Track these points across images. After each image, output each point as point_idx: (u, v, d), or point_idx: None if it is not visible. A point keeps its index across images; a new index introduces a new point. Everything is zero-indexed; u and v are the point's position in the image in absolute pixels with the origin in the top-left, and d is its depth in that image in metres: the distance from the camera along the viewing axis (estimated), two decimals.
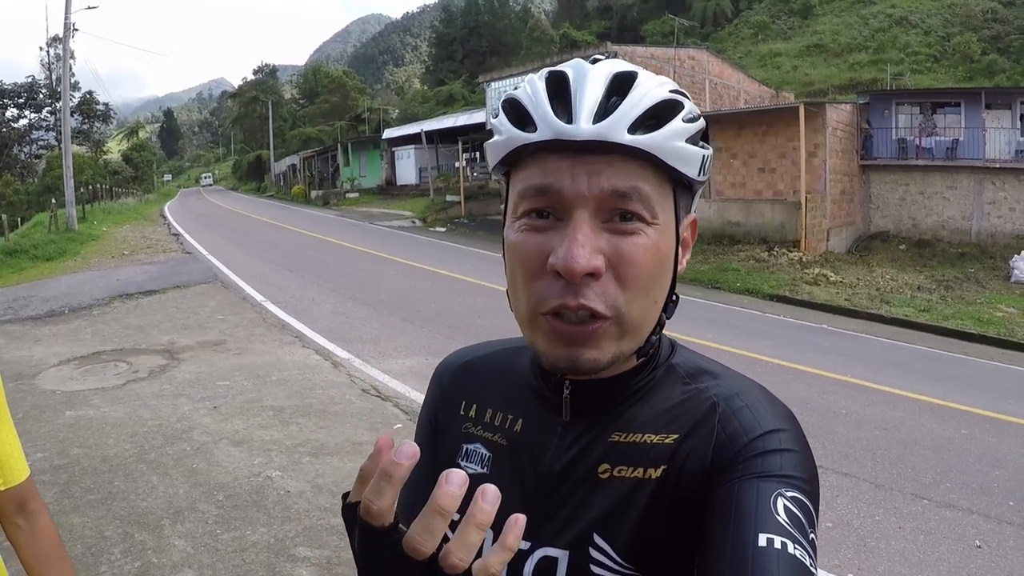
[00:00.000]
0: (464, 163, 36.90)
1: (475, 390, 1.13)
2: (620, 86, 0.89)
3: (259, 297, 14.50)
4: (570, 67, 0.92)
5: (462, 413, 1.12)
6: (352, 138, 60.75)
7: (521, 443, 1.04)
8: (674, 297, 0.98)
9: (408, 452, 0.61)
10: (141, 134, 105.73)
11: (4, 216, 31.50)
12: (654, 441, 0.96)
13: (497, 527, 0.89)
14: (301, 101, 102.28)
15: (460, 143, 37.29)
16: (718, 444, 0.91)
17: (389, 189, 48.57)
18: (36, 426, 7.26)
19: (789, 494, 0.84)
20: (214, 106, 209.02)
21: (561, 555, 0.96)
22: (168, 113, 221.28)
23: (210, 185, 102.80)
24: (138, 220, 40.25)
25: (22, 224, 37.41)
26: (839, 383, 9.51)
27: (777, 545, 0.79)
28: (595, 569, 0.93)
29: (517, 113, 0.92)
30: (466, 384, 1.15)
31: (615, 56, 26.90)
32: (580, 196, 0.87)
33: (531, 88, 0.93)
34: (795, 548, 0.79)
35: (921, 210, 24.07)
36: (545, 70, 0.94)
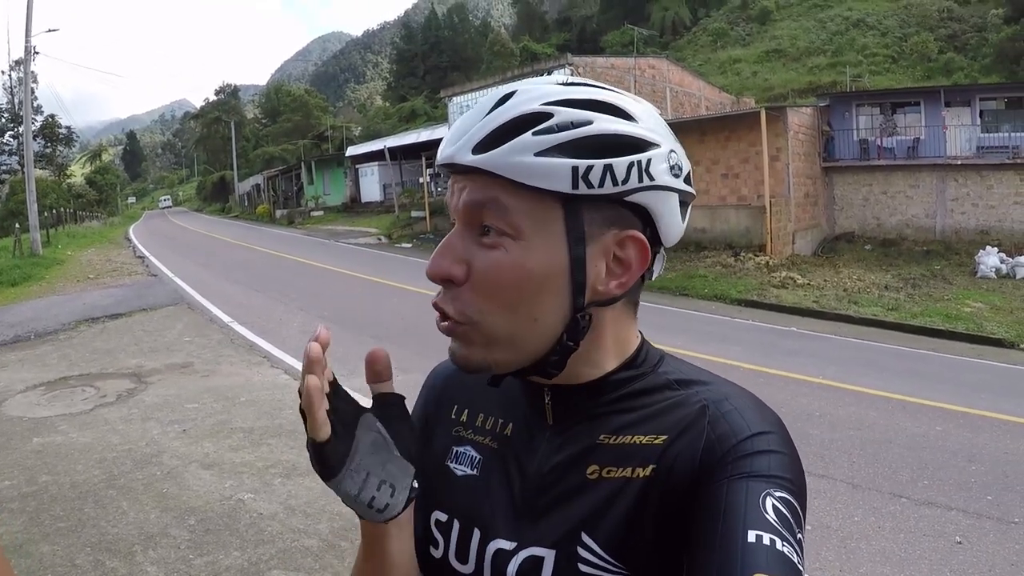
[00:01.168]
0: (428, 178, 36.94)
1: (466, 395, 1.15)
2: (496, 106, 0.93)
3: (226, 318, 14.39)
4: (482, 97, 0.98)
5: (453, 417, 1.14)
6: (316, 156, 60.79)
7: (510, 447, 1.06)
8: (583, 317, 0.95)
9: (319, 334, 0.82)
10: (104, 157, 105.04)
11: None
12: (643, 442, 0.97)
13: (487, 527, 1.02)
14: (264, 120, 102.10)
15: (424, 158, 37.34)
16: (707, 445, 0.92)
17: (354, 206, 48.54)
18: (3, 454, 7.12)
19: (778, 494, 0.86)
20: (177, 127, 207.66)
21: (547, 554, 0.97)
22: (131, 135, 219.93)
23: (169, 207, 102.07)
24: (103, 243, 39.92)
25: None
26: (811, 385, 9.54)
27: (766, 542, 0.80)
28: (583, 568, 0.94)
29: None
30: (457, 390, 1.17)
31: (570, 68, 27.13)
32: (455, 210, 0.95)
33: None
34: (784, 545, 0.81)
35: (885, 210, 24.32)
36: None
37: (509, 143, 0.89)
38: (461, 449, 1.10)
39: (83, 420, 8.31)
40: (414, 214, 36.30)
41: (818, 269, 20.24)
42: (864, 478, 6.52)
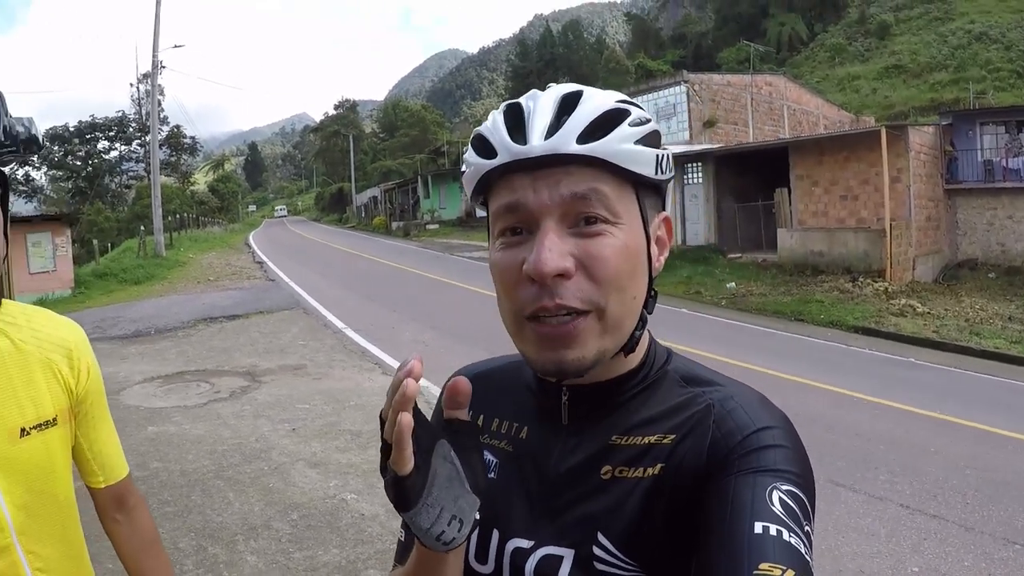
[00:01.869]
0: None
1: (483, 401, 1.15)
2: (568, 105, 0.98)
3: (340, 324, 14.69)
4: (525, 97, 1.01)
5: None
6: (432, 171, 61.46)
7: (526, 449, 1.10)
8: (652, 293, 1.03)
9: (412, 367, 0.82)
10: (227, 166, 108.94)
11: (95, 241, 32.53)
12: (652, 442, 1.00)
13: (504, 528, 1.05)
14: (381, 135, 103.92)
15: None
16: (713, 442, 0.95)
17: (469, 221, 48.86)
18: (119, 439, 7.35)
19: (784, 487, 0.88)
20: (297, 140, 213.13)
21: (566, 553, 0.99)
22: (252, 146, 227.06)
23: (285, 216, 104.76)
24: (223, 248, 41.32)
25: (112, 249, 38.64)
26: (928, 419, 9.04)
27: (773, 532, 0.82)
28: (599, 566, 0.97)
29: (482, 145, 1.01)
30: (474, 396, 1.14)
31: (686, 84, 26.84)
32: (544, 207, 0.95)
33: (492, 121, 1.02)
34: (790, 536, 0.82)
35: (1011, 235, 23.09)
36: (504, 103, 1.03)
37: (612, 133, 0.95)
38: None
39: (196, 413, 8.58)
40: None
41: (939, 297, 19.37)
42: (978, 520, 6.11)
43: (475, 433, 0.94)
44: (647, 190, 1.01)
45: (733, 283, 19.47)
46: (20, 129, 1.39)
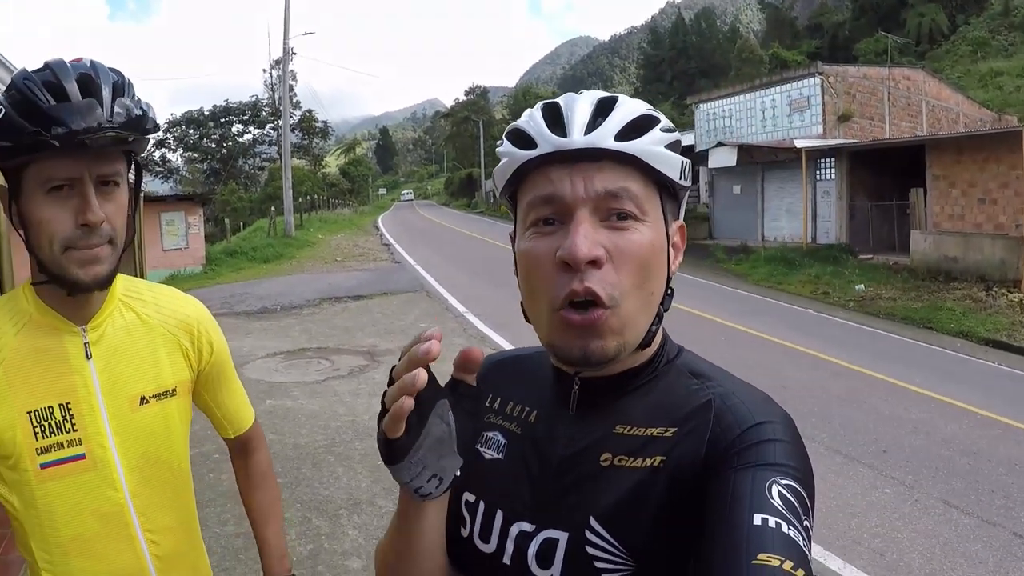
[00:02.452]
0: None
1: (501, 385, 1.24)
2: (604, 107, 1.04)
3: (461, 308, 14.88)
4: (561, 99, 1.08)
5: (487, 404, 1.22)
6: None
7: (533, 432, 1.14)
8: (669, 291, 1.08)
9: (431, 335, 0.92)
10: (358, 150, 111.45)
11: (228, 220, 33.78)
12: (654, 434, 1.03)
13: (508, 509, 1.09)
14: (512, 121, 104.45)
15: None
16: (712, 436, 0.98)
17: None
18: None
19: (783, 481, 0.90)
20: (427, 125, 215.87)
21: (561, 536, 1.04)
22: (384, 131, 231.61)
23: (411, 199, 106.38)
24: (352, 230, 42.32)
25: (243, 229, 40.07)
26: None
27: (772, 524, 0.84)
28: (590, 551, 1.00)
29: (520, 138, 1.06)
30: (494, 379, 1.25)
31: (820, 76, 26.02)
32: (579, 199, 1.00)
33: (530, 117, 1.08)
34: (789, 528, 0.84)
35: None
36: (541, 102, 1.11)
37: (646, 135, 1.02)
38: (490, 434, 1.19)
39: (314, 389, 8.86)
40: None
41: None
42: None
43: (477, 398, 1.01)
44: (668, 195, 1.07)
45: (862, 285, 18.82)
46: (138, 113, 1.46)
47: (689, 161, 1.08)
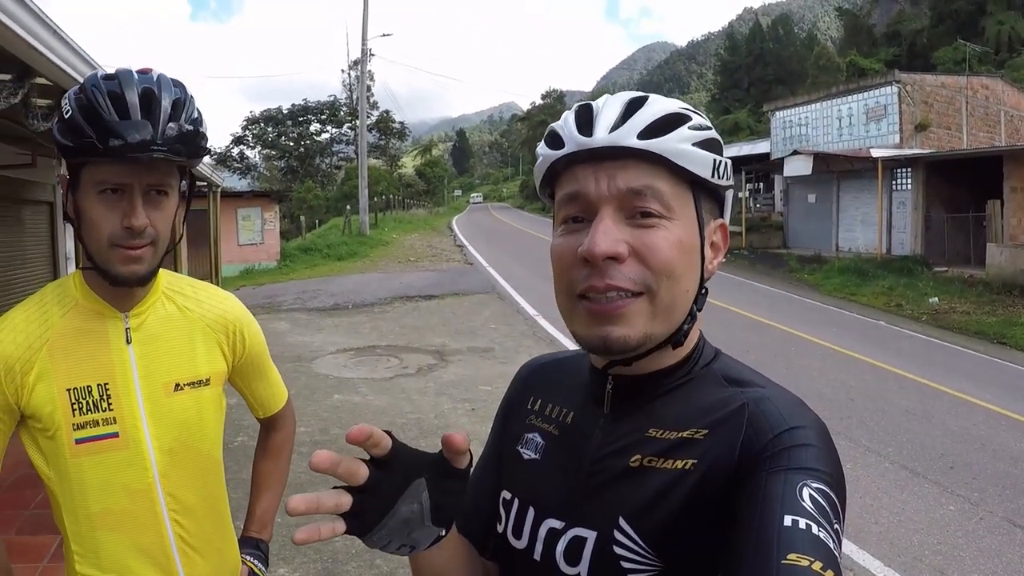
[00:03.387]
0: (747, 193, 36.11)
1: (542, 387, 1.28)
2: (634, 107, 1.04)
3: (532, 311, 14.91)
4: (598, 100, 1.08)
5: (529, 407, 1.26)
6: None
7: (569, 433, 1.17)
8: (704, 290, 1.09)
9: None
10: (434, 151, 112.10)
11: (303, 217, 34.30)
12: (686, 436, 1.04)
13: (541, 507, 1.12)
14: None
15: (743, 173, 36.63)
16: (745, 440, 0.98)
17: None
18: (306, 404, 7.95)
19: (815, 485, 0.89)
20: (504, 128, 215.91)
21: (590, 535, 1.05)
22: (460, 133, 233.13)
23: (479, 203, 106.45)
24: (426, 230, 42.58)
25: (319, 226, 40.61)
26: None
27: (802, 526, 0.84)
28: (617, 550, 1.02)
29: (553, 137, 1.09)
30: (536, 382, 1.31)
31: (898, 84, 25.48)
32: (603, 196, 1.02)
33: (564, 118, 1.09)
34: (819, 530, 0.84)
35: None
36: (577, 104, 1.10)
37: (673, 132, 1.02)
38: (530, 435, 1.22)
39: (382, 386, 9.03)
40: (730, 229, 35.55)
41: None
42: None
43: (465, 479, 0.97)
44: (705, 194, 1.07)
45: (936, 298, 18.41)
46: (190, 133, 1.57)
47: (726, 159, 1.08)
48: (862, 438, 7.76)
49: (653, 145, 1.01)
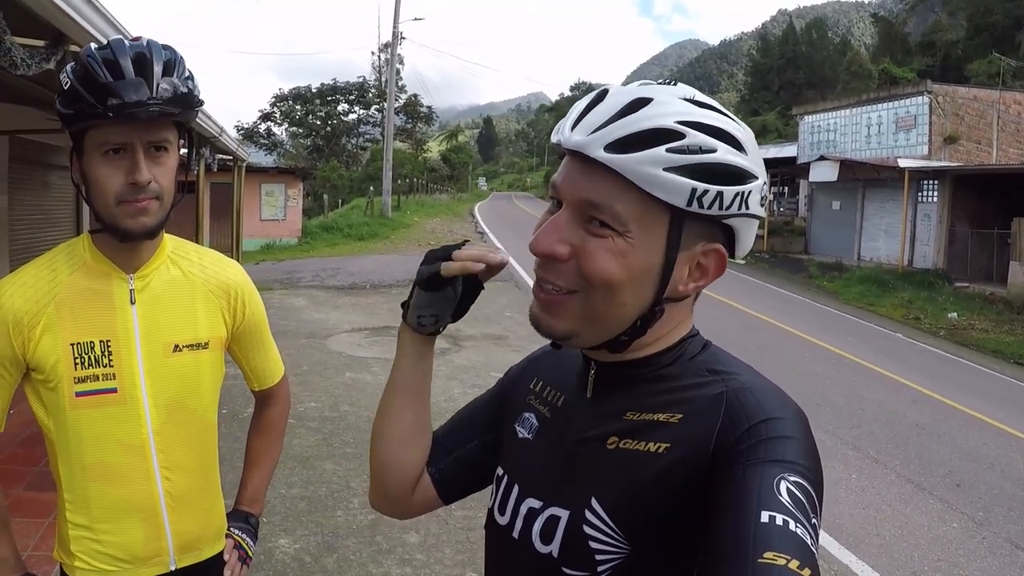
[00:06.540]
0: (771, 197, 35.93)
1: (543, 370, 1.30)
2: (630, 108, 0.98)
3: None
4: (613, 88, 1.03)
5: (530, 387, 1.29)
6: None
7: (558, 416, 1.19)
8: (658, 310, 1.05)
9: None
10: (460, 138, 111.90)
11: (326, 196, 34.39)
12: (660, 419, 1.04)
13: (524, 486, 1.17)
14: None
15: (768, 176, 36.44)
16: (722, 429, 0.97)
17: None
18: (317, 380, 8.05)
19: (792, 479, 0.89)
20: (531, 118, 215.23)
21: (563, 515, 1.08)
22: (487, 120, 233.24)
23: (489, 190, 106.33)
24: (448, 215, 42.63)
25: (342, 206, 40.74)
26: None
27: (779, 522, 0.83)
28: (587, 530, 1.04)
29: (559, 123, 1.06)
30: (541, 364, 1.33)
31: (929, 95, 25.24)
32: (564, 194, 1.03)
33: (578, 102, 1.05)
34: (797, 526, 0.83)
35: None
36: (598, 89, 1.05)
37: (643, 152, 0.95)
38: (527, 415, 1.25)
39: None
40: None
41: None
42: None
43: (479, 289, 1.26)
44: (697, 220, 1.00)
45: (955, 313, 18.29)
46: (183, 90, 1.65)
47: (716, 190, 0.97)
48: (870, 449, 7.75)
49: (616, 162, 0.95)
